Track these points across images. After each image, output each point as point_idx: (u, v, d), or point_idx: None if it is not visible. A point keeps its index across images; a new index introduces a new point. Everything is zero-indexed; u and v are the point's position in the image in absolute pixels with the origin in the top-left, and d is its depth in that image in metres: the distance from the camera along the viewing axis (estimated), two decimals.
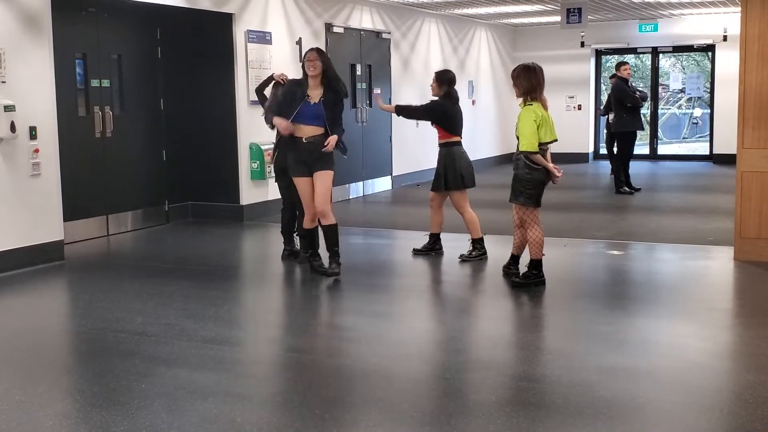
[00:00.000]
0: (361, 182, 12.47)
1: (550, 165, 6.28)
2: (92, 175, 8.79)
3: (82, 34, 8.62)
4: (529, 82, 6.26)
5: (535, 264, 6.36)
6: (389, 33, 13.10)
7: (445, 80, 7.49)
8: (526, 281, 6.37)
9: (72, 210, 8.23)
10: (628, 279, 7.17)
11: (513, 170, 6.38)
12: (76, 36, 8.52)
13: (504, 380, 4.41)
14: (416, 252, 7.74)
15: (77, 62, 8.63)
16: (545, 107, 6.34)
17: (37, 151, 7.36)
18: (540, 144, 6.22)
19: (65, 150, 7.95)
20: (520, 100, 6.36)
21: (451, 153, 7.42)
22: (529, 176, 6.22)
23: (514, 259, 6.68)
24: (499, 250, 7.53)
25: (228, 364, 4.72)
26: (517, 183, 6.31)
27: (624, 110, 12.09)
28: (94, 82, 8.81)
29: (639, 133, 12.82)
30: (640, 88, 13.72)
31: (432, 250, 7.73)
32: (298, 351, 5.08)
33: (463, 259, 7.42)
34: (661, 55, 18.19)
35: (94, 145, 8.81)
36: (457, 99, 7.57)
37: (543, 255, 6.37)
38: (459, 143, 7.50)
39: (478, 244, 7.50)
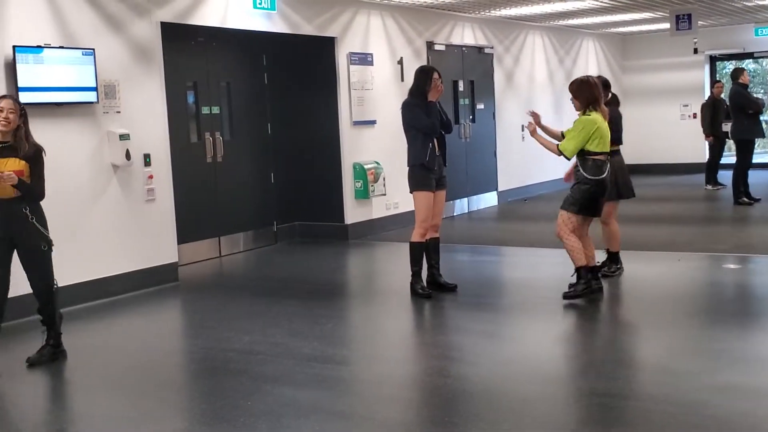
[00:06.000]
0: (466, 198, 12.42)
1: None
2: (204, 198, 9.10)
3: (192, 63, 8.96)
4: (590, 95, 6.31)
5: (581, 273, 6.35)
6: (492, 47, 13.04)
7: (606, 86, 7.08)
8: (576, 293, 6.35)
9: (186, 233, 8.52)
10: (746, 294, 6.84)
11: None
12: (187, 65, 8.86)
13: (611, 400, 4.28)
14: (604, 274, 6.99)
15: (188, 91, 8.97)
16: (605, 117, 6.38)
17: (151, 177, 7.66)
18: (592, 154, 6.25)
19: (178, 175, 8.22)
20: (579, 113, 6.41)
21: (611, 163, 6.62)
22: (584, 187, 6.30)
23: (610, 257, 7.15)
24: (633, 266, 7.39)
25: (332, 382, 4.77)
26: (572, 191, 6.42)
27: (745, 117, 11.57)
28: (205, 110, 9.13)
29: (758, 140, 12.25)
30: (758, 95, 13.13)
31: (616, 268, 7.22)
32: (401, 369, 5.08)
33: (604, 274, 6.95)
34: None
35: (205, 169, 9.12)
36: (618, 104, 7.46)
37: (593, 263, 6.44)
38: (618, 152, 7.03)
39: (614, 257, 7.19)
